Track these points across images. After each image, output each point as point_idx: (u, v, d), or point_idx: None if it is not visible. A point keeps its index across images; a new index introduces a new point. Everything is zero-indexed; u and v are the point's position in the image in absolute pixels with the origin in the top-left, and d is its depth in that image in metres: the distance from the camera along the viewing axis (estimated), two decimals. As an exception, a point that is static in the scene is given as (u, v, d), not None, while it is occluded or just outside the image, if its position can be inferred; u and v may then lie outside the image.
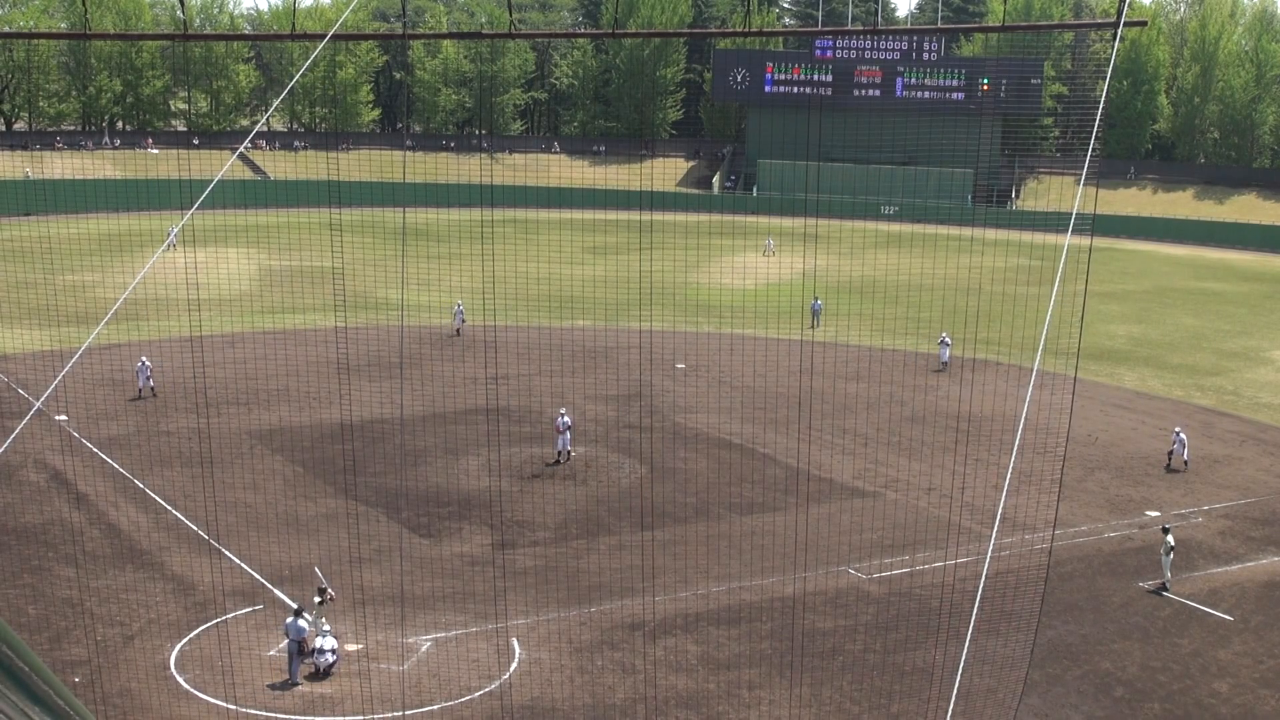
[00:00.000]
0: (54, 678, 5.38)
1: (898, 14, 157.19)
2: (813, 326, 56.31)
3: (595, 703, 22.56)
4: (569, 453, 36.78)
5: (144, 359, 43.06)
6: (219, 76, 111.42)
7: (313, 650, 23.14)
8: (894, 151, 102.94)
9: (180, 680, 22.90)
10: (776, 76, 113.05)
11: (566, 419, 36.88)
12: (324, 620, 23.91)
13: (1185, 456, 38.23)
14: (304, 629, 22.95)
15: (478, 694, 22.81)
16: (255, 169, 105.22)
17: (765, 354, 48.44)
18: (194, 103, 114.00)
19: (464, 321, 54.34)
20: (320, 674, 23.15)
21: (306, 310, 57.22)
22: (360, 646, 24.19)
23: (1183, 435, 38.64)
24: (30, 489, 32.85)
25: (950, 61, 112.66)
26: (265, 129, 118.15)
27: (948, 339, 50.71)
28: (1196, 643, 26.03)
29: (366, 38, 37.45)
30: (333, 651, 23.27)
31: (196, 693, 22.48)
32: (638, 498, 33.53)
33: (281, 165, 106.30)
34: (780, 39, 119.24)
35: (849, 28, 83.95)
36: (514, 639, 24.97)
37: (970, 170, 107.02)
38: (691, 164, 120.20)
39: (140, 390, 42.25)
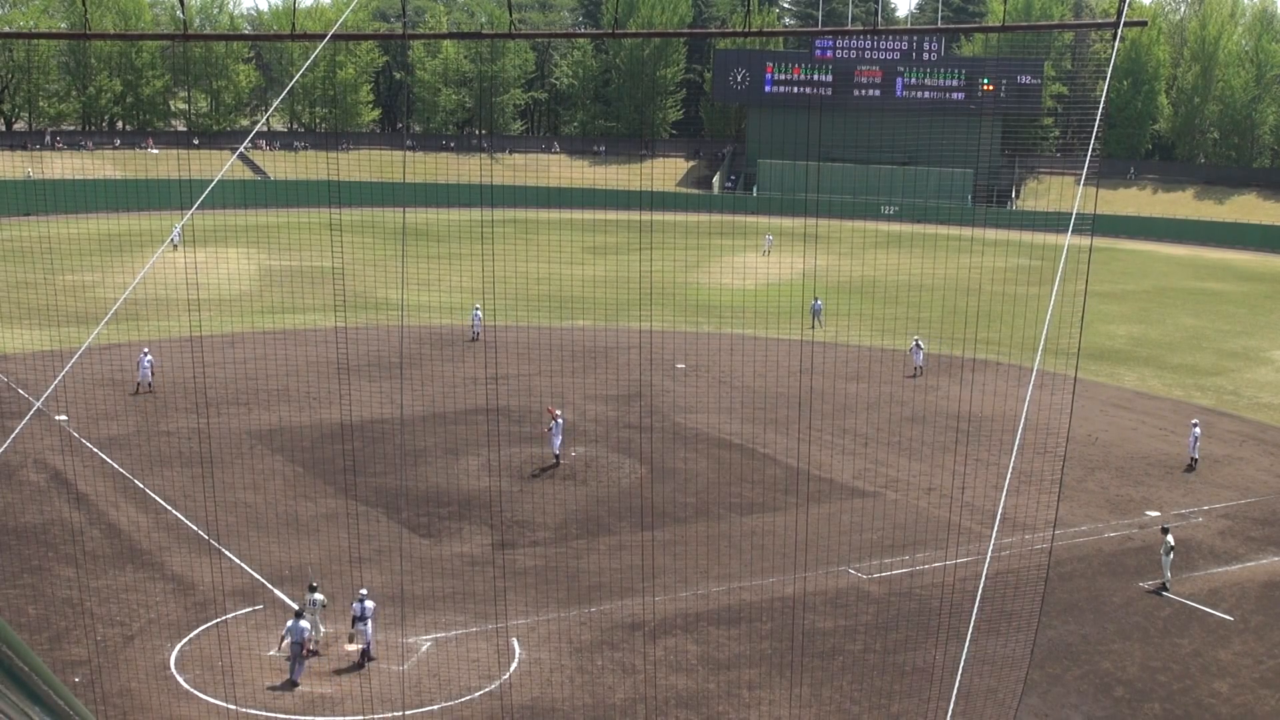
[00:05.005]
0: (54, 678, 5.37)
1: (898, 14, 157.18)
2: (813, 327, 56.29)
3: (595, 703, 22.56)
4: (557, 457, 36.47)
5: (145, 351, 43.29)
6: (219, 76, 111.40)
7: (354, 619, 23.62)
8: (894, 151, 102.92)
9: (180, 680, 22.90)
10: (776, 76, 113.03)
11: (559, 421, 36.63)
12: (363, 590, 24.09)
13: (1195, 453, 38.41)
14: (305, 629, 22.96)
15: (478, 694, 22.81)
16: (255, 169, 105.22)
17: (765, 354, 48.43)
18: (194, 103, 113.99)
19: (480, 326, 53.66)
20: (363, 654, 23.56)
21: (306, 310, 57.22)
22: (360, 646, 24.18)
23: (1198, 430, 38.75)
24: (30, 489, 32.85)
25: (950, 61, 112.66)
26: (265, 129, 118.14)
27: (921, 343, 50.44)
28: (1196, 643, 26.03)
29: (366, 38, 37.43)
30: (370, 618, 23.50)
31: (196, 693, 22.48)
32: (638, 498, 33.52)
33: (281, 165, 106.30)
34: (780, 39, 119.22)
35: (849, 28, 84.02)
36: (514, 639, 24.97)
37: (970, 170, 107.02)
38: (691, 164, 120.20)
39: (139, 385, 42.41)
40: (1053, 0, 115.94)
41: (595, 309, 53.67)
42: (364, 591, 23.93)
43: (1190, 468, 38.24)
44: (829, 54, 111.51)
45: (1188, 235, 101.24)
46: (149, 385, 42.63)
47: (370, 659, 23.75)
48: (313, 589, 24.43)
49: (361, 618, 23.52)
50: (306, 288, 60.17)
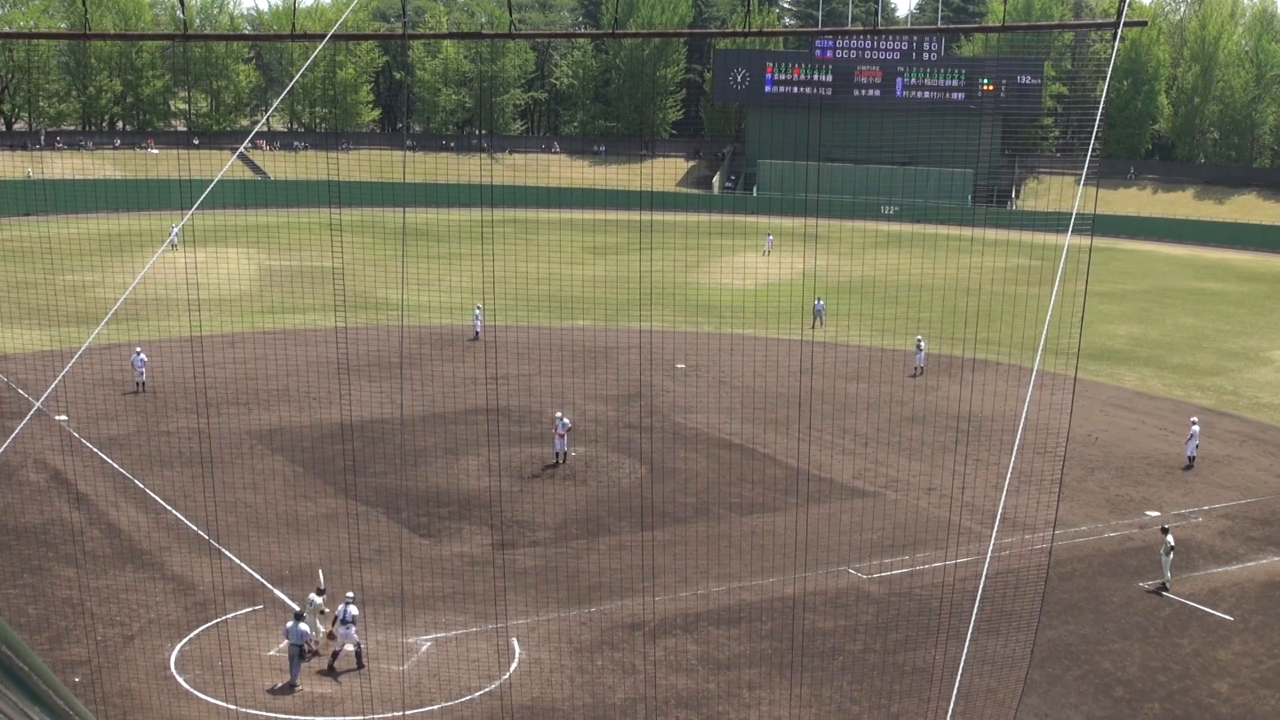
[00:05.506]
0: (54, 678, 5.37)
1: (898, 14, 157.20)
2: (813, 327, 56.30)
3: (595, 703, 22.56)
4: (566, 454, 36.77)
5: (138, 350, 43.45)
6: (219, 76, 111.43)
7: (336, 620, 23.46)
8: (894, 151, 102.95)
9: (180, 680, 22.90)
10: (776, 76, 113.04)
11: (565, 421, 36.89)
12: (350, 593, 24.02)
13: (1191, 452, 38.43)
14: (305, 633, 22.94)
15: (478, 694, 22.81)
16: (255, 169, 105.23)
17: (765, 354, 48.44)
18: (194, 103, 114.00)
19: (481, 325, 53.72)
20: (354, 657, 23.44)
21: (306, 310, 57.21)
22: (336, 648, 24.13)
23: (1197, 428, 38.76)
24: (30, 489, 32.85)
25: (950, 61, 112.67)
26: (265, 129, 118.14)
27: (922, 343, 50.58)
28: (1196, 643, 26.03)
29: (366, 38, 37.43)
30: (353, 623, 23.41)
31: (196, 693, 22.48)
32: (638, 498, 33.52)
33: (281, 165, 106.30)
34: (780, 39, 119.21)
35: (849, 28, 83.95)
36: (514, 639, 24.97)
37: (970, 170, 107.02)
38: (691, 164, 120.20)
39: (138, 385, 42.56)
40: (1053, 0, 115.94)
41: (595, 309, 53.67)
42: (350, 595, 23.84)
43: (1188, 467, 38.28)
44: (829, 54, 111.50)
45: (1188, 235, 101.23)
46: (143, 385, 42.66)
47: (333, 667, 23.56)
48: (320, 592, 24.46)
49: (343, 620, 23.40)
50: (306, 288, 60.17)
